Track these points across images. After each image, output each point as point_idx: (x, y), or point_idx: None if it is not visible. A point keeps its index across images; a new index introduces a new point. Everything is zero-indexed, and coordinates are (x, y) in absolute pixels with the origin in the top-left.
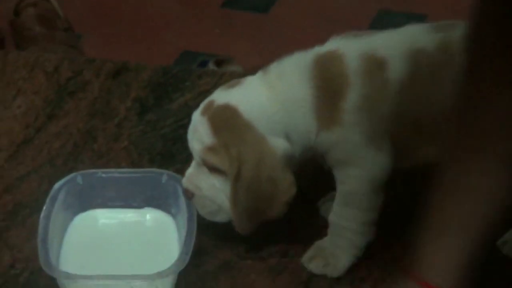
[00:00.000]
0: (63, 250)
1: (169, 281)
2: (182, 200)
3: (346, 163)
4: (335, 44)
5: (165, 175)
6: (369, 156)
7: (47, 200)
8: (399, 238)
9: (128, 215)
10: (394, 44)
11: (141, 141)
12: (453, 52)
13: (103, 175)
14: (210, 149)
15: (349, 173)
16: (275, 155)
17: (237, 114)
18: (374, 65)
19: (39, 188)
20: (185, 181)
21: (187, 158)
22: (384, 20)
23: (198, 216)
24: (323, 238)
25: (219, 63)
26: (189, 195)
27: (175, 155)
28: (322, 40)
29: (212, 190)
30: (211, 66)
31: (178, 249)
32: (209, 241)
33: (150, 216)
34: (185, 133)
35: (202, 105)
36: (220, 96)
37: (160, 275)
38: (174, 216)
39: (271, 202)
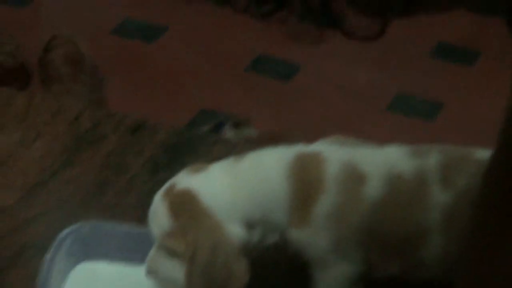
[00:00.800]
0: None
1: None
2: None
3: (319, 264)
4: (320, 147)
5: None
6: (335, 263)
7: (52, 246)
8: None
9: (129, 270)
10: (376, 163)
11: (149, 199)
12: (427, 181)
13: (109, 228)
14: (169, 234)
15: (324, 272)
16: (231, 243)
17: (196, 199)
18: (353, 178)
19: (45, 232)
20: (148, 261)
21: None
22: (402, 102)
23: None
24: None
25: (236, 125)
26: (152, 275)
27: None
28: (340, 113)
29: (171, 273)
30: (229, 127)
31: None
32: None
33: None
34: None
35: (163, 188)
36: (183, 180)
37: None
38: None
39: (224, 286)
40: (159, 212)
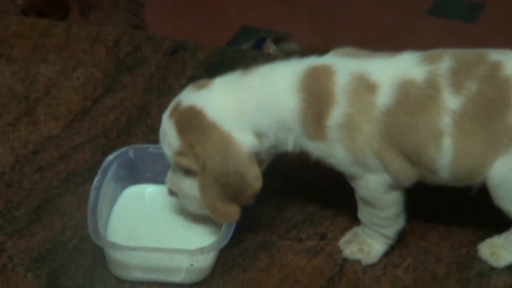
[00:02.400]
0: (111, 220)
1: (211, 256)
2: None
3: (348, 176)
4: (331, 60)
5: None
6: (360, 173)
7: (99, 171)
8: (435, 227)
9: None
10: (387, 71)
11: None
12: (439, 86)
13: (154, 150)
14: (179, 153)
15: (355, 182)
16: (241, 151)
17: (201, 115)
18: (364, 87)
19: (92, 158)
20: (167, 182)
21: None
22: (442, 5)
23: None
24: (358, 227)
25: (277, 40)
26: (174, 194)
27: None
28: (380, 21)
29: (191, 189)
30: (269, 43)
31: (221, 226)
32: (250, 220)
33: None
34: None
35: (170, 106)
36: (187, 98)
37: (202, 251)
38: None
39: (238, 194)
40: (167, 132)
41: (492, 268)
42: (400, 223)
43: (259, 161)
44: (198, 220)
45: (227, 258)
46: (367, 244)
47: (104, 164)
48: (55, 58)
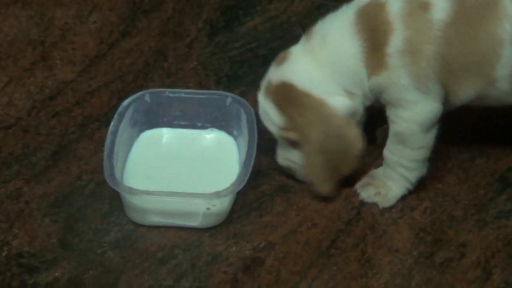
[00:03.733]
0: (127, 165)
1: (227, 200)
2: (244, 123)
3: (395, 105)
4: None
5: (229, 97)
6: (417, 100)
7: (115, 116)
8: (452, 169)
9: (191, 135)
10: None
11: (209, 62)
12: None
13: (170, 94)
14: (283, 127)
15: (399, 114)
16: (337, 113)
17: (293, 87)
18: (417, 7)
19: (108, 103)
20: (280, 159)
21: (253, 81)
22: None
23: (259, 139)
24: (378, 168)
25: None
26: (287, 170)
27: (241, 78)
28: None
29: (298, 160)
30: None
31: (237, 170)
32: (268, 164)
33: (213, 136)
34: (253, 56)
35: (263, 87)
36: (275, 75)
37: (218, 194)
38: (236, 138)
39: (343, 158)
40: (268, 111)
41: (510, 209)
42: (424, 169)
43: (357, 121)
44: (215, 164)
45: (244, 202)
46: (385, 186)
47: (120, 109)
48: (70, 2)
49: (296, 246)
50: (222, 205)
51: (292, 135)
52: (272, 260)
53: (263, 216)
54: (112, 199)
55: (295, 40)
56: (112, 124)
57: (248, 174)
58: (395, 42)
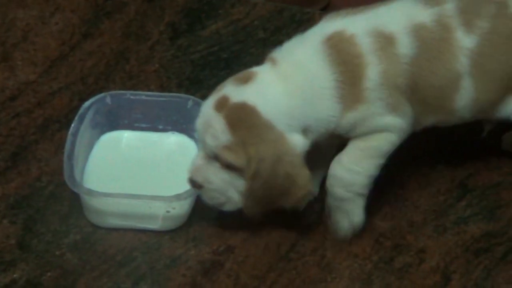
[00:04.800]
0: (87, 167)
1: (187, 203)
2: None
3: (372, 133)
4: (338, 24)
5: (191, 100)
6: (394, 121)
7: (76, 118)
8: (412, 175)
9: (152, 138)
10: (396, 19)
11: (171, 65)
12: (450, 27)
13: (132, 96)
14: (227, 147)
15: (375, 135)
16: (294, 152)
17: (256, 113)
18: (385, 41)
19: (69, 104)
20: (193, 172)
21: (215, 84)
22: None
23: None
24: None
25: None
26: (196, 186)
27: (203, 81)
28: None
29: (222, 184)
30: None
31: None
32: None
33: (174, 139)
34: (215, 60)
35: (213, 99)
36: (235, 93)
37: (178, 197)
38: (196, 141)
39: (287, 196)
40: (214, 125)
41: (469, 216)
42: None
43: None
44: (176, 167)
45: (204, 205)
46: (347, 211)
47: (81, 110)
48: (33, 3)
49: (255, 250)
50: (182, 208)
51: (234, 159)
52: (231, 264)
53: (223, 219)
54: (71, 201)
55: (257, 44)
56: (72, 125)
57: None
58: (372, 75)
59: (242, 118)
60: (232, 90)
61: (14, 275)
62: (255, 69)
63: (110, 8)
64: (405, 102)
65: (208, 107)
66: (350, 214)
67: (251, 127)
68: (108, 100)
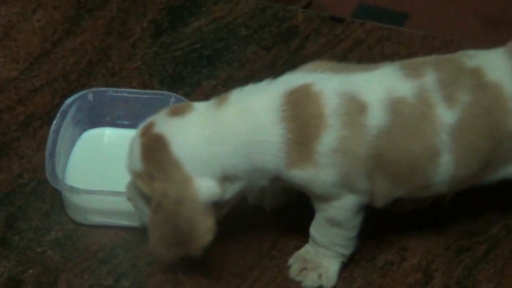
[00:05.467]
0: (69, 164)
1: None
2: None
3: (323, 198)
4: (309, 78)
5: (173, 97)
6: (344, 193)
7: (58, 115)
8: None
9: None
10: (375, 88)
11: (153, 62)
12: (430, 102)
13: (114, 94)
14: (138, 174)
15: (327, 204)
16: (197, 200)
17: (167, 149)
18: (355, 108)
19: (51, 101)
20: (126, 189)
21: (197, 82)
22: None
23: None
24: (303, 248)
25: None
26: (130, 201)
27: (185, 78)
28: None
29: (142, 206)
30: None
31: None
32: None
33: None
34: (197, 57)
35: (145, 123)
36: (161, 123)
37: None
38: None
39: (187, 241)
40: (134, 150)
41: (450, 214)
42: (356, 241)
43: (221, 207)
44: None
45: None
46: (323, 266)
47: (63, 107)
48: (15, 0)
49: (237, 248)
50: None
51: (143, 187)
52: (213, 261)
53: None
54: (53, 198)
55: (239, 41)
56: (54, 122)
57: None
58: (328, 139)
59: (155, 150)
60: (161, 119)
61: None
62: (196, 104)
63: (92, 5)
64: (362, 177)
65: (138, 130)
66: (324, 268)
67: (160, 162)
68: (90, 97)
